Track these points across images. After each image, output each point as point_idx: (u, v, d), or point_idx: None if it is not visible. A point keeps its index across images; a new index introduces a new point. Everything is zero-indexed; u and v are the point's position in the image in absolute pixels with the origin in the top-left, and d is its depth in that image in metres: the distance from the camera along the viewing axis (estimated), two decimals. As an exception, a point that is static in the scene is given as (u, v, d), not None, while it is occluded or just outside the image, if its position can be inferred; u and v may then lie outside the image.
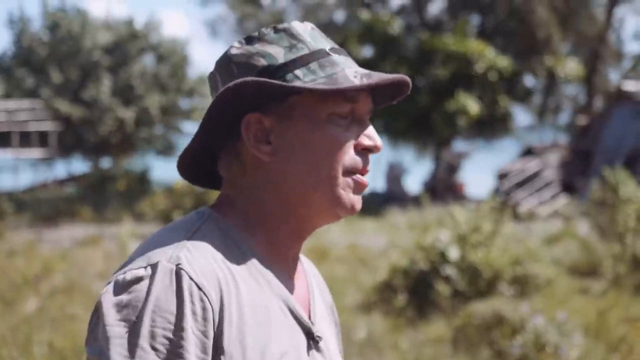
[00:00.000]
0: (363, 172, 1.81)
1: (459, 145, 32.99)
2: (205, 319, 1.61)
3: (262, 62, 1.77)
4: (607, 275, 12.25)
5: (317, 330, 1.82)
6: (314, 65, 1.77)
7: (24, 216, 21.70)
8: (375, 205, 26.67)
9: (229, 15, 37.69)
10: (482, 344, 8.58)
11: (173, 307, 1.60)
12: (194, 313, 1.61)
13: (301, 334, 1.78)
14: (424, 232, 11.59)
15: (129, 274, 1.65)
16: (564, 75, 30.86)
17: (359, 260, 14.33)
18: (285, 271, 1.83)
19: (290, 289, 1.82)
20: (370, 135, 1.81)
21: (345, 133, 1.78)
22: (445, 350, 8.70)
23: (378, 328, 9.47)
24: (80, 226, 20.22)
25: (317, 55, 1.78)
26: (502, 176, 28.88)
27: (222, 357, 1.62)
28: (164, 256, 1.65)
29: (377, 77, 1.75)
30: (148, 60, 35.12)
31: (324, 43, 1.81)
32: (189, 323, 1.60)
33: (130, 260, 1.71)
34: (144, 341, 1.58)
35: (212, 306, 1.62)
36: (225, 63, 1.82)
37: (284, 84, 1.72)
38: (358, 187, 1.81)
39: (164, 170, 26.61)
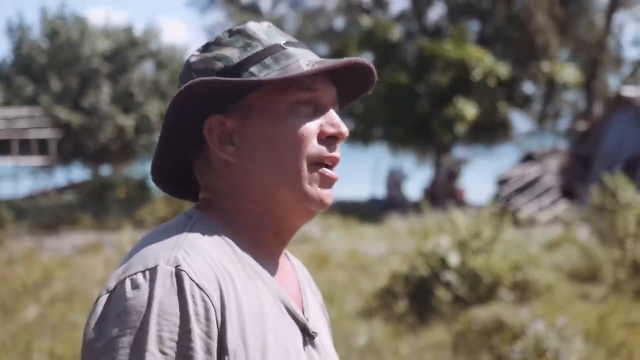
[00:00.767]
0: (332, 160, 1.80)
1: (459, 151, 32.99)
2: (208, 319, 1.61)
3: (219, 65, 1.78)
4: (607, 281, 12.24)
5: (312, 326, 1.83)
6: (268, 60, 1.77)
7: (24, 224, 21.68)
8: (375, 211, 26.69)
9: (228, 22, 37.71)
10: (482, 350, 8.57)
11: (177, 310, 1.59)
12: (197, 314, 1.60)
13: (297, 330, 1.79)
14: (424, 238, 11.59)
15: (128, 280, 1.64)
16: (563, 82, 30.86)
17: (359, 266, 14.33)
18: (274, 269, 1.83)
19: (282, 286, 1.82)
20: (334, 122, 1.79)
21: (307, 122, 1.77)
22: (445, 356, 8.70)
23: (378, 334, 9.47)
24: (81, 233, 20.21)
25: (271, 50, 1.78)
26: (502, 182, 28.88)
27: (226, 357, 1.62)
28: (162, 259, 1.64)
29: (330, 62, 1.75)
30: (147, 68, 35.11)
31: (279, 38, 1.81)
32: (194, 324, 1.59)
33: (124, 266, 1.69)
34: (152, 346, 1.57)
35: (214, 306, 1.62)
36: (187, 72, 1.82)
37: (232, 79, 1.73)
38: (326, 181, 1.79)
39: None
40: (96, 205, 25.46)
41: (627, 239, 13.03)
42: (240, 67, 1.77)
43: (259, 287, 1.74)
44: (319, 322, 1.92)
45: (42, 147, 31.21)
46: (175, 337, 1.58)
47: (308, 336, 1.81)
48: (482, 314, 9.25)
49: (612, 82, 37.25)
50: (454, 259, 10.68)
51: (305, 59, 1.78)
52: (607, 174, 16.94)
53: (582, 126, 31.97)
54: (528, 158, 32.02)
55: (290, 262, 1.96)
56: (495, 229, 11.46)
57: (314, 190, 1.78)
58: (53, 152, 31.16)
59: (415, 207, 23.70)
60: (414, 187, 32.49)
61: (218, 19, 36.92)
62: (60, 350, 8.43)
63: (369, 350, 8.86)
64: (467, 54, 28.54)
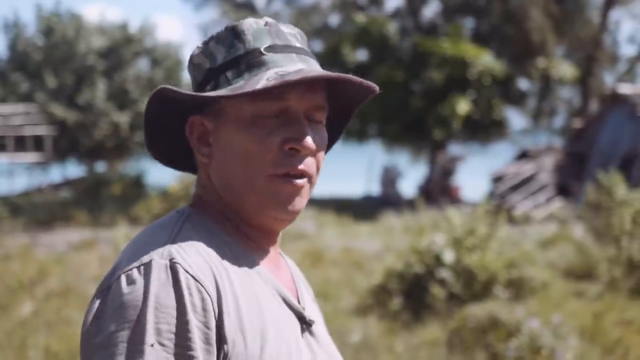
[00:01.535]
0: (296, 172, 1.79)
1: (453, 148, 33.02)
2: (205, 309, 1.62)
3: (207, 63, 1.82)
4: (602, 278, 12.25)
5: (308, 315, 1.85)
6: (242, 67, 1.78)
7: (19, 220, 21.67)
8: (370, 208, 26.68)
9: (223, 19, 37.68)
10: (477, 347, 8.58)
11: (174, 302, 1.61)
12: (193, 305, 1.61)
13: (294, 319, 1.81)
14: (419, 236, 11.59)
15: (123, 276, 1.65)
16: (558, 79, 30.87)
17: (354, 263, 14.33)
18: (268, 263, 1.85)
19: (277, 277, 1.85)
20: (298, 136, 1.77)
21: (269, 135, 1.77)
22: (440, 353, 8.70)
23: (373, 331, 9.47)
24: (76, 230, 20.20)
25: (249, 55, 1.79)
26: (497, 179, 28.89)
27: (225, 346, 1.63)
28: (156, 254, 1.66)
29: (296, 76, 1.72)
30: (143, 64, 35.07)
31: (265, 41, 1.81)
32: (190, 315, 1.61)
33: (119, 262, 1.71)
34: (151, 338, 1.58)
35: (210, 297, 1.64)
36: (189, 64, 1.88)
37: (186, 92, 1.75)
38: (289, 189, 1.79)
39: (159, 174, 26.59)
40: (91, 202, 25.44)
41: (623, 237, 13.04)
42: (220, 70, 1.80)
43: (254, 279, 1.76)
44: (314, 311, 1.94)
45: (37, 143, 31.18)
46: (173, 329, 1.60)
47: (305, 324, 1.83)
48: (477, 311, 9.25)
49: (608, 79, 37.27)
50: (448, 257, 10.68)
51: (277, 69, 1.77)
52: (603, 172, 16.96)
53: (577, 123, 31.98)
54: (523, 155, 32.04)
55: (284, 259, 1.99)
56: (490, 227, 11.47)
57: (276, 199, 1.78)
58: (48, 148, 31.13)
59: (410, 204, 23.71)
60: (409, 184, 32.50)
61: (213, 16, 36.83)
62: (56, 347, 8.42)
63: (364, 347, 8.87)
64: (464, 52, 28.54)
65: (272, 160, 1.77)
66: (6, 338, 8.95)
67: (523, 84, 32.23)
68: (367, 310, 10.60)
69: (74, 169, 35.62)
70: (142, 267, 1.64)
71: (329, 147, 1.98)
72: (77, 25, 33.82)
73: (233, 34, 1.82)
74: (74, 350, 8.10)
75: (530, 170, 28.60)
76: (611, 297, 11.06)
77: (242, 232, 1.83)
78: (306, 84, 1.78)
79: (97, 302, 1.66)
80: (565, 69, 30.75)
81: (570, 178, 28.29)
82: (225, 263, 1.72)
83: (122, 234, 15.33)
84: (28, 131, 30.52)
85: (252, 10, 36.14)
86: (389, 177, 30.31)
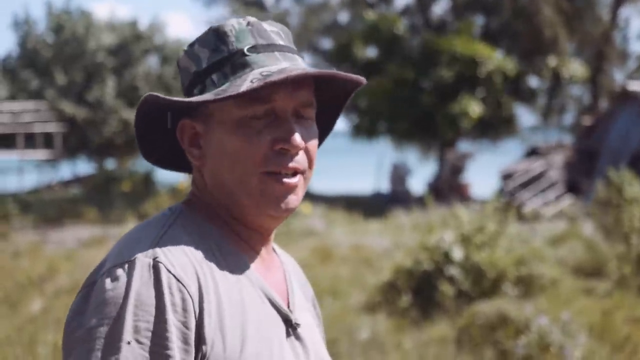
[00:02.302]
0: (288, 170, 1.80)
1: (463, 146, 32.95)
2: (185, 309, 1.63)
3: (193, 66, 1.84)
4: (612, 276, 12.22)
5: (295, 317, 1.85)
6: (227, 69, 1.80)
7: (29, 217, 21.71)
8: (379, 206, 26.66)
9: (233, 16, 37.69)
10: (486, 344, 8.57)
11: (153, 300, 1.62)
12: (173, 304, 1.62)
13: (280, 321, 1.81)
14: (428, 233, 11.58)
15: (107, 272, 1.68)
16: (568, 76, 30.80)
17: (363, 260, 14.33)
18: (258, 263, 1.86)
19: (266, 278, 1.85)
20: (286, 136, 1.79)
21: (258, 135, 1.78)
22: (449, 350, 8.69)
23: (382, 328, 9.46)
24: (85, 227, 20.23)
25: (232, 57, 1.80)
26: (506, 177, 28.83)
27: (204, 347, 1.64)
28: (140, 252, 1.67)
29: (279, 76, 1.73)
30: (152, 62, 35.14)
31: (248, 41, 1.82)
32: (170, 315, 1.61)
33: (106, 259, 1.73)
34: (128, 335, 1.59)
35: (191, 297, 1.65)
36: (177, 66, 1.89)
37: (173, 99, 1.76)
38: (282, 188, 1.80)
39: (168, 171, 26.64)
40: (101, 198, 25.47)
41: (632, 234, 13.00)
42: (206, 74, 1.81)
43: (240, 280, 1.77)
44: (305, 314, 1.93)
45: (47, 140, 31.25)
46: (151, 327, 1.61)
47: (291, 327, 1.83)
48: (486, 308, 9.24)
49: (618, 76, 37.17)
50: (457, 254, 10.67)
51: (262, 69, 1.78)
52: (612, 169, 16.92)
53: (587, 121, 31.91)
54: (533, 153, 31.96)
55: (279, 257, 1.99)
56: (499, 224, 11.45)
57: (270, 198, 1.80)
58: (58, 145, 31.19)
59: (419, 201, 23.70)
60: (418, 181, 32.47)
61: (223, 13, 36.81)
62: (65, 344, 8.43)
63: (373, 344, 8.86)
64: (475, 50, 28.50)
65: (263, 159, 1.78)
66: (16, 334, 8.98)
67: (533, 81, 32.19)
68: (376, 307, 10.60)
69: (83, 166, 35.71)
70: (126, 265, 1.66)
71: (322, 139, 1.99)
72: (87, 23, 33.89)
73: (216, 36, 1.83)
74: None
75: (540, 168, 28.54)
76: (620, 295, 11.04)
77: (234, 232, 1.84)
78: (291, 82, 1.79)
79: (81, 297, 1.69)
80: (576, 68, 30.69)
81: (580, 175, 28.23)
82: (212, 263, 1.72)
83: (131, 230, 15.33)
84: (38, 128, 30.58)
85: (261, 8, 36.13)
86: (399, 175, 30.27)
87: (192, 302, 1.64)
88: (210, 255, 1.74)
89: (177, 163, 1.97)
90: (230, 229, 1.83)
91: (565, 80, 31.12)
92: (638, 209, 13.76)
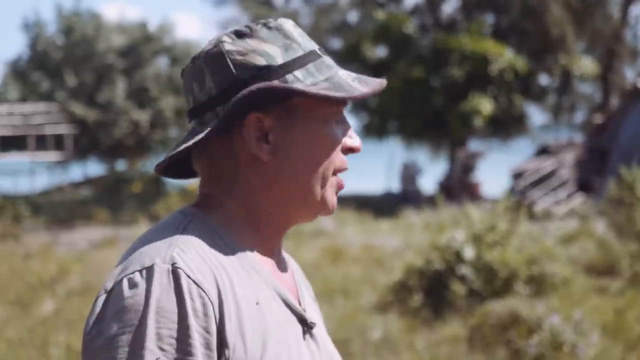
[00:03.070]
0: (344, 170, 1.87)
1: (474, 144, 32.92)
2: (206, 315, 1.62)
3: (261, 60, 1.78)
4: (624, 274, 12.18)
5: (309, 317, 1.85)
6: (311, 68, 1.79)
7: (40, 219, 21.77)
8: (390, 205, 26.65)
9: (242, 16, 37.72)
10: (498, 344, 8.55)
11: (175, 307, 1.60)
12: (194, 310, 1.61)
13: (295, 321, 1.80)
14: (439, 232, 11.57)
15: (125, 279, 1.65)
16: (579, 74, 30.75)
17: (374, 260, 14.32)
18: (271, 263, 1.85)
19: (279, 279, 1.84)
20: (353, 136, 1.86)
21: (338, 133, 1.82)
22: (461, 350, 8.68)
23: (394, 328, 9.45)
24: (96, 228, 20.27)
25: (311, 56, 1.81)
26: (517, 175, 28.78)
27: (226, 351, 1.63)
28: (158, 257, 1.65)
29: (373, 82, 1.80)
30: (162, 63, 35.21)
31: (312, 43, 1.84)
32: (192, 321, 1.60)
33: (121, 265, 1.71)
34: (151, 343, 1.58)
35: (211, 302, 1.63)
36: (219, 58, 1.80)
37: (315, 92, 1.74)
38: (339, 188, 1.86)
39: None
40: (111, 200, 25.53)
41: (644, 232, 12.97)
42: (286, 69, 1.78)
43: (256, 282, 1.75)
44: (314, 312, 1.94)
45: (58, 142, 31.35)
46: (174, 334, 1.59)
47: (306, 327, 1.83)
48: (497, 307, 9.23)
49: (629, 74, 37.08)
50: (469, 253, 10.65)
51: (344, 72, 1.82)
52: (624, 167, 16.87)
53: (598, 119, 31.85)
54: (544, 151, 31.91)
55: (284, 258, 1.98)
56: (510, 223, 11.42)
57: (332, 196, 1.84)
58: (69, 147, 31.28)
59: (430, 201, 23.68)
60: (429, 181, 32.44)
61: (232, 13, 36.83)
62: (77, 345, 8.45)
63: (384, 344, 8.86)
64: (485, 49, 28.47)
65: (339, 159, 1.83)
66: (28, 336, 8.99)
67: (543, 79, 32.14)
68: (388, 307, 10.59)
69: (94, 168, 35.80)
70: (144, 271, 1.64)
71: None
72: (97, 24, 33.98)
73: (280, 34, 1.81)
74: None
75: (551, 166, 28.49)
76: (633, 293, 11.00)
77: (255, 232, 1.82)
78: None
79: (99, 304, 1.65)
80: (587, 65, 30.63)
81: (591, 174, 28.17)
82: (227, 266, 1.71)
83: (142, 231, 15.38)
84: (48, 130, 30.68)
85: (270, 8, 36.14)
86: (409, 174, 30.25)
87: (213, 307, 1.63)
88: (224, 258, 1.72)
89: (176, 170, 1.93)
90: (249, 230, 1.82)
91: (575, 77, 31.06)
92: (650, 207, 13.72)
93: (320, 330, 1.90)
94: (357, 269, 13.35)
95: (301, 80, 1.77)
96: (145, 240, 1.74)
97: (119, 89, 32.56)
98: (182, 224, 1.75)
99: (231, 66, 1.78)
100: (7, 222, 18.94)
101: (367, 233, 18.90)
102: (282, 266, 1.90)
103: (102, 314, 1.63)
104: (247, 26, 1.83)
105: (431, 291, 10.58)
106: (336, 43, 36.16)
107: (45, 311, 10.51)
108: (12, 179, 33.89)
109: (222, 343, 1.63)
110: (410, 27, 30.69)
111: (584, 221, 18.86)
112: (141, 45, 33.95)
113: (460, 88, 28.76)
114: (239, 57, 1.78)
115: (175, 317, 1.60)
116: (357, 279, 12.46)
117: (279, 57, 1.78)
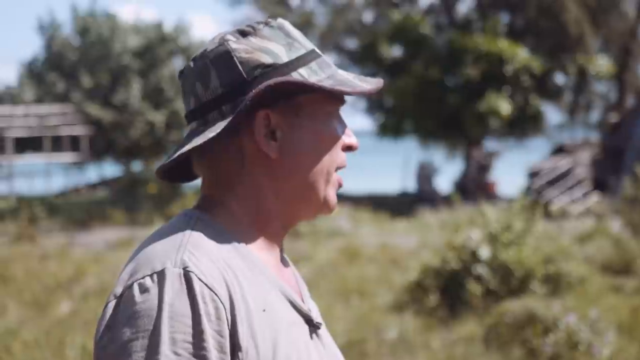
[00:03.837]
0: (342, 168, 1.88)
1: (489, 144, 32.88)
2: (219, 318, 1.62)
3: (267, 58, 1.78)
4: (640, 273, 12.17)
5: (315, 317, 1.85)
6: (314, 65, 1.81)
7: (56, 220, 21.84)
8: (406, 205, 26.65)
9: (257, 16, 37.75)
10: (514, 343, 8.55)
11: (188, 311, 1.60)
12: (207, 314, 1.61)
13: (302, 322, 1.80)
14: (455, 232, 11.56)
15: (136, 284, 1.64)
16: (594, 73, 30.68)
17: (391, 260, 14.32)
18: (275, 264, 1.85)
19: (283, 279, 1.84)
20: (350, 134, 1.88)
21: (340, 131, 1.85)
22: (477, 349, 8.68)
23: (410, 328, 9.45)
24: (113, 229, 20.32)
25: (313, 55, 1.83)
26: (533, 174, 28.75)
27: (239, 354, 1.63)
28: (168, 261, 1.65)
29: (372, 81, 1.83)
30: (178, 63, 35.21)
31: (311, 43, 1.86)
32: (205, 325, 1.60)
33: (129, 270, 1.70)
34: (165, 348, 1.57)
35: (223, 305, 1.63)
36: (225, 56, 1.79)
37: (330, 87, 1.76)
38: (339, 185, 1.87)
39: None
40: (128, 201, 25.59)
41: (660, 231, 12.94)
42: (291, 67, 1.79)
43: (263, 283, 1.75)
44: (317, 312, 1.93)
45: (73, 143, 31.42)
46: (189, 338, 1.59)
47: (313, 327, 1.83)
48: (513, 307, 9.22)
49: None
50: (485, 252, 10.64)
51: (342, 70, 1.85)
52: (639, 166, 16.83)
53: (613, 118, 31.78)
54: (559, 150, 31.87)
55: (285, 258, 1.98)
56: (526, 222, 11.40)
57: (332, 194, 1.85)
58: (85, 148, 31.35)
59: (446, 200, 23.65)
60: (445, 180, 32.43)
61: (247, 13, 36.85)
62: (93, 346, 8.47)
63: (400, 343, 8.86)
64: (501, 48, 28.43)
65: (340, 156, 1.85)
66: (45, 337, 9.02)
67: (559, 78, 32.06)
68: (404, 306, 10.59)
69: (110, 169, 35.86)
70: (155, 276, 1.63)
71: None
72: (112, 25, 34.03)
73: (282, 32, 1.82)
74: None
75: (567, 165, 28.45)
76: (649, 292, 10.98)
77: (260, 232, 1.82)
78: None
79: (109, 310, 1.65)
80: (602, 64, 30.55)
81: (607, 172, 28.11)
82: (236, 269, 1.70)
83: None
84: (64, 131, 30.76)
85: (286, 8, 36.15)
86: (425, 173, 30.24)
87: (225, 310, 1.63)
88: (232, 260, 1.72)
89: (176, 173, 1.93)
90: (254, 231, 1.81)
91: (591, 76, 30.99)
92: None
93: (324, 330, 1.90)
94: (373, 269, 13.35)
95: (306, 77, 1.78)
96: (152, 243, 1.73)
97: (135, 89, 32.60)
98: (188, 227, 1.75)
99: (238, 64, 1.78)
100: (23, 224, 19.00)
101: (383, 233, 18.90)
102: (284, 265, 1.91)
103: (113, 320, 1.63)
104: (249, 25, 1.83)
105: (447, 291, 10.58)
106: (352, 43, 36.15)
107: (62, 312, 10.55)
108: (28, 180, 33.99)
109: (235, 346, 1.63)
110: (426, 26, 30.68)
111: (600, 220, 18.81)
112: (157, 46, 33.98)
113: (475, 88, 28.73)
114: (245, 55, 1.78)
115: (189, 321, 1.59)
116: (373, 278, 12.47)
117: (283, 56, 1.79)
